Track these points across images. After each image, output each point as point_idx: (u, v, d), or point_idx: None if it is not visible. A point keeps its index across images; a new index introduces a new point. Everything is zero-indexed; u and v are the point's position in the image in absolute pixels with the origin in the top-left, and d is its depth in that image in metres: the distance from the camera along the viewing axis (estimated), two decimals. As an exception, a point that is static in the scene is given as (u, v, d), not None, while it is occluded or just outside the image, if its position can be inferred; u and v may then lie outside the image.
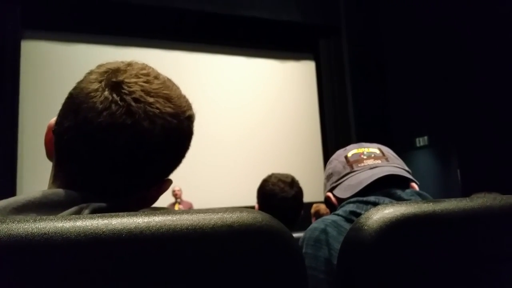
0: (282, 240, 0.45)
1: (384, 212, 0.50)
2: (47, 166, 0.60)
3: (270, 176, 1.67)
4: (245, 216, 0.44)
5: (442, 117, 5.55)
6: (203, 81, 5.00)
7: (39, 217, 0.40)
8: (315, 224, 0.86)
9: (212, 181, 5.25)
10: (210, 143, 4.90)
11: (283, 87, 5.27)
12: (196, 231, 0.42)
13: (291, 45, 5.57)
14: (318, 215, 3.00)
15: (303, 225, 1.28)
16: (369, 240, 0.49)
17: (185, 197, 5.21)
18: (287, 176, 1.67)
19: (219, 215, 0.44)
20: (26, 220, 0.39)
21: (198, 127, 0.61)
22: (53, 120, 0.58)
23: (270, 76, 5.43)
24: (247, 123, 5.15)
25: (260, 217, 0.45)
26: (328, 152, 5.25)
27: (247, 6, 5.42)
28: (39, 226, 0.39)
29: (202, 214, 0.43)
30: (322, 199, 1.06)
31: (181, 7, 5.36)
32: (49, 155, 0.59)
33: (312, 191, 3.42)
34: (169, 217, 0.42)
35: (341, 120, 4.90)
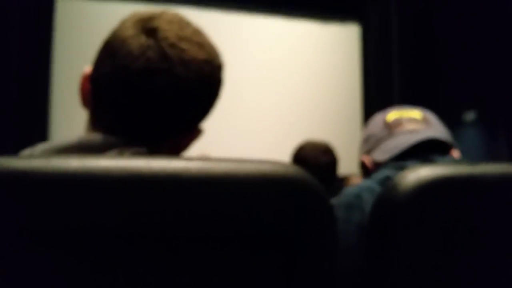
0: (314, 193, 0.46)
1: (419, 173, 0.49)
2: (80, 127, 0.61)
3: (304, 143, 1.66)
4: (279, 168, 0.45)
5: (494, 89, 5.18)
6: (237, 43, 4.88)
7: (83, 155, 0.42)
8: (349, 189, 0.84)
9: (245, 147, 5.23)
10: (243, 108, 4.84)
11: (323, 51, 5.05)
12: (231, 178, 0.43)
13: (334, 7, 5.27)
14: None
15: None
16: (403, 199, 0.48)
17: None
18: (322, 143, 1.65)
19: (254, 165, 0.45)
20: (71, 158, 0.41)
21: (232, 90, 0.61)
22: (87, 68, 0.59)
23: (309, 39, 5.22)
24: (284, 88, 5.03)
25: (293, 169, 0.46)
26: (368, 123, 5.05)
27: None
28: (83, 164, 0.40)
29: (237, 163, 0.44)
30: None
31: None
32: (84, 104, 0.60)
33: (351, 162, 3.35)
34: (206, 163, 0.43)
35: (384, 89, 4.66)
